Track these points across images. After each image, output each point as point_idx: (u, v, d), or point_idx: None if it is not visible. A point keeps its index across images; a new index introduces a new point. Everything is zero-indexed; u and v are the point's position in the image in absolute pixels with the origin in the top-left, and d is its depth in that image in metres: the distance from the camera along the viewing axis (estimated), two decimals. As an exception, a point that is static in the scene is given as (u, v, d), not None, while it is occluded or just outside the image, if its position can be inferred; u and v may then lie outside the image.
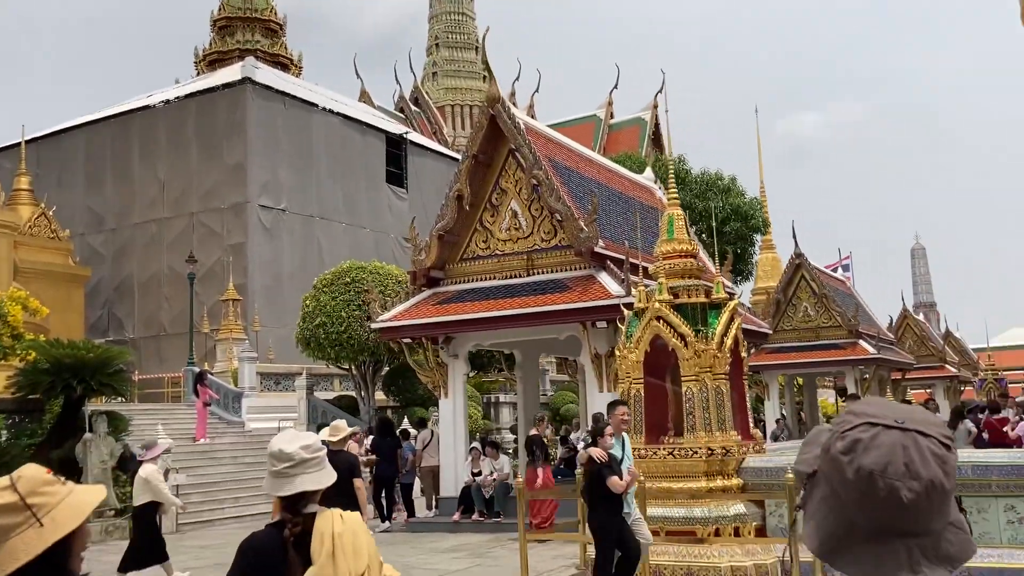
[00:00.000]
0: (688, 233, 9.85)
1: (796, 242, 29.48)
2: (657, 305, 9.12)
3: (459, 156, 48.79)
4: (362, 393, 23.88)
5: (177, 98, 36.56)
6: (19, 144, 32.78)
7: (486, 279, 14.62)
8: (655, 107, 55.39)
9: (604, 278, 13.28)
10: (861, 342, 27.48)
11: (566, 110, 60.55)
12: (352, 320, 22.11)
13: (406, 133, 43.50)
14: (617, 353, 9.54)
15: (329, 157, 37.32)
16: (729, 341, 9.13)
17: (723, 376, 9.03)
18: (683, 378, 9.03)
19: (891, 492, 1.09)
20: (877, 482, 1.10)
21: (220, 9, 45.65)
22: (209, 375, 23.29)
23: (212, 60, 44.58)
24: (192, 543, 14.46)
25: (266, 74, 37.98)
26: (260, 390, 25.84)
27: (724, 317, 9.20)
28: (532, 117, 60.35)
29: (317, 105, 37.67)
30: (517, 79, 61.08)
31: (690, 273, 9.60)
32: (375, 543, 2.82)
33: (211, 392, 22.13)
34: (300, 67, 46.71)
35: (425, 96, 57.95)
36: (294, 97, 37.00)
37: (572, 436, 19.36)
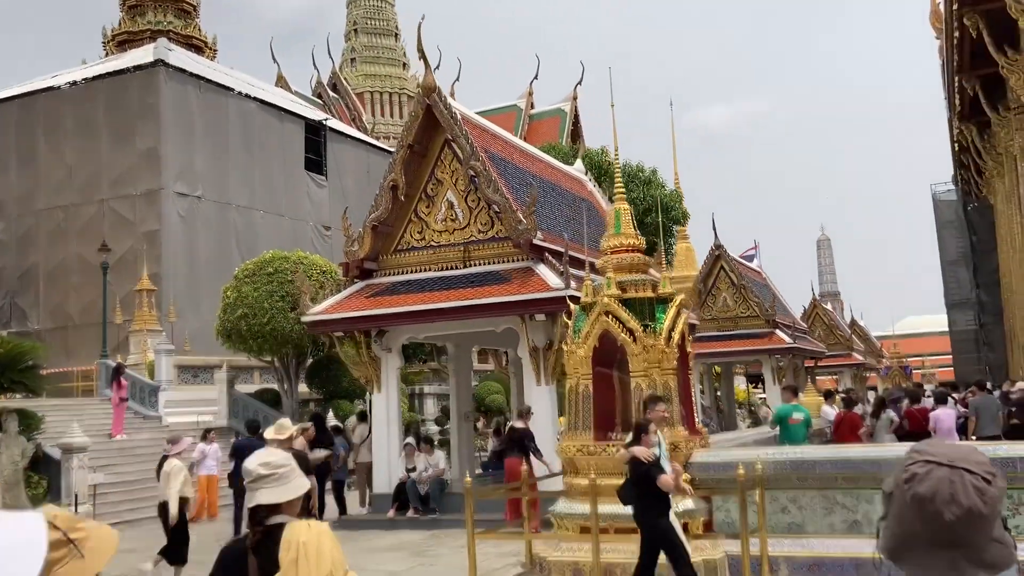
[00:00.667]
0: (634, 228, 9.82)
1: (716, 233, 30.05)
2: (606, 300, 9.07)
3: (380, 143, 48.22)
4: (285, 386, 23.35)
5: (85, 79, 35.03)
6: (-87, 125, 31.00)
7: (421, 271, 14.37)
8: (575, 98, 55.68)
9: (543, 270, 13.18)
10: (778, 331, 28.16)
11: (487, 99, 60.31)
12: (276, 312, 21.58)
13: (325, 119, 42.66)
14: (564, 348, 9.47)
15: (246, 143, 36.34)
16: (676, 336, 9.15)
17: (671, 371, 9.04)
18: (632, 374, 9.01)
19: (936, 515, 1.41)
20: (927, 506, 1.42)
21: (130, -12, 43.96)
22: (126, 368, 22.41)
23: (121, 40, 42.94)
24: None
25: (180, 56, 36.73)
26: (178, 383, 25.03)
27: (671, 312, 9.21)
28: (452, 105, 60.01)
29: (233, 89, 36.60)
30: (438, 67, 60.39)
31: (637, 268, 9.58)
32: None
33: (123, 391, 21.10)
34: (215, 50, 45.37)
35: (343, 83, 57.01)
36: (209, 81, 35.87)
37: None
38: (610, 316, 9.02)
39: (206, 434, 18.05)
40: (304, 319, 14.49)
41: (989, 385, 16.70)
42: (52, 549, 1.69)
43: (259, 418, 22.25)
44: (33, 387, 15.63)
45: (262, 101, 38.26)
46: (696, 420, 9.71)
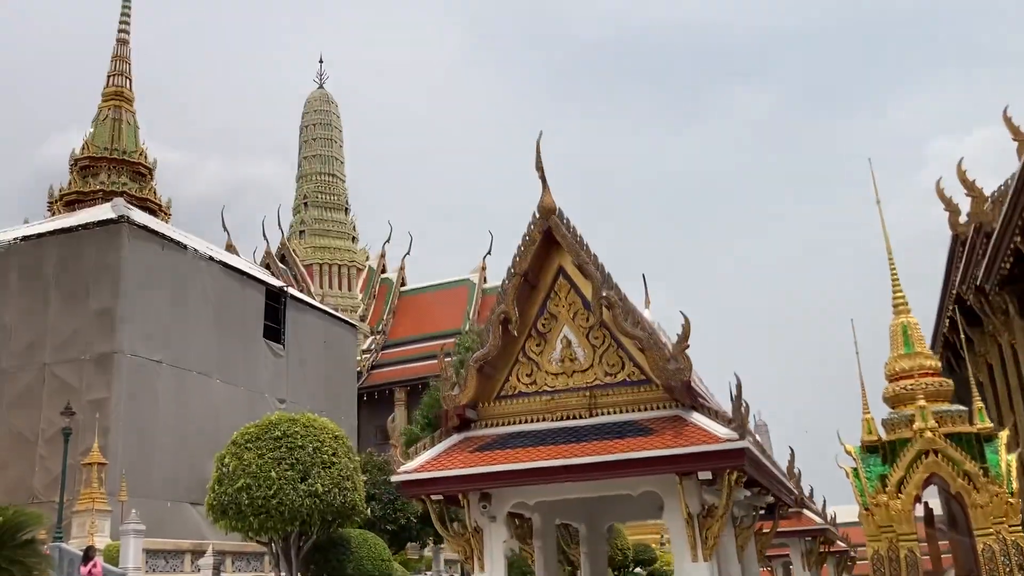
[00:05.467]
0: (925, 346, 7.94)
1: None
2: (929, 435, 7.02)
3: (337, 313, 45.88)
4: (283, 573, 19.85)
5: (36, 235, 32.36)
6: None
7: (533, 420, 12.02)
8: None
9: (699, 418, 11.03)
10: (805, 511, 26.17)
11: (439, 273, 59.23)
12: (284, 482, 18.50)
13: (285, 287, 40.55)
14: (864, 500, 7.28)
15: (207, 308, 33.78)
16: (1016, 483, 7.11)
17: (1018, 528, 6.93)
18: (977, 532, 6.86)
19: None
20: None
21: (84, 149, 42.10)
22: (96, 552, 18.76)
23: (70, 201, 40.63)
24: None
25: (140, 215, 34.58)
26: (145, 570, 21.26)
27: (1003, 450, 7.21)
28: (403, 280, 58.63)
29: (197, 251, 34.36)
30: (388, 241, 59.78)
31: (944, 395, 7.61)
32: None
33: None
34: (168, 214, 43.33)
35: (292, 254, 55.33)
36: (173, 240, 33.60)
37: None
38: (941, 456, 6.95)
39: None
40: (395, 478, 11.82)
41: None
42: None
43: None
44: (33, 567, 12.25)
45: (225, 265, 36.06)
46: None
